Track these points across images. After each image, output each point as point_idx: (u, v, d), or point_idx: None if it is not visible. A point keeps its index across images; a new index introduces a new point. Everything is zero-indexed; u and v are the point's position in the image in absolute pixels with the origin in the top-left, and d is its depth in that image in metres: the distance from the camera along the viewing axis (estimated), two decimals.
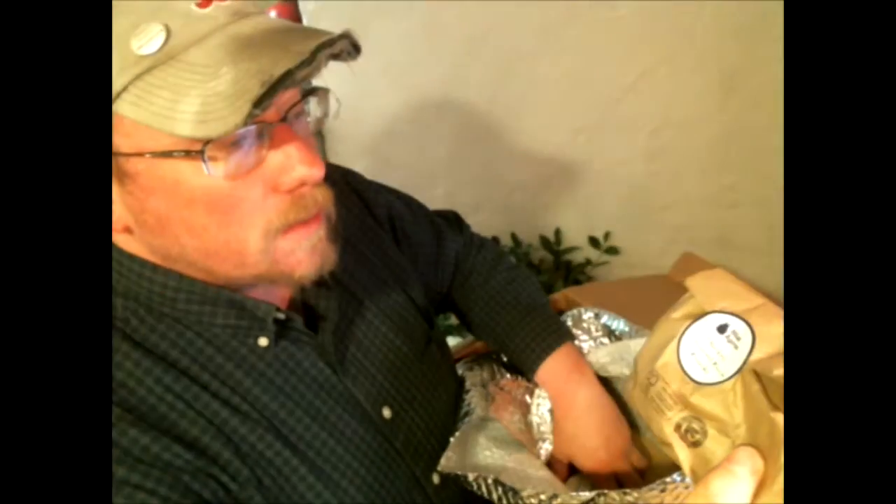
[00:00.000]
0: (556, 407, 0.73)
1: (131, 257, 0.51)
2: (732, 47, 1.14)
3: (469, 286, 0.81)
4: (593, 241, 1.44)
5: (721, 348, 0.41)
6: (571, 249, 1.46)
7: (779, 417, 0.34)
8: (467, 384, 0.73)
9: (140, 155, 0.45)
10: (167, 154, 0.45)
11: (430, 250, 0.79)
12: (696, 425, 0.40)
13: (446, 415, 0.68)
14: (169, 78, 0.43)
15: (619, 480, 0.70)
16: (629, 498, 0.54)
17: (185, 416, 0.50)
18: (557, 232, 1.46)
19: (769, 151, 1.20)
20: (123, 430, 0.47)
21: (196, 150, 0.44)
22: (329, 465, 0.55)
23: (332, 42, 0.44)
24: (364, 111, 1.40)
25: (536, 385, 0.75)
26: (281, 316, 0.54)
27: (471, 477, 0.59)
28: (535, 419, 0.75)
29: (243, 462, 0.51)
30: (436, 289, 0.80)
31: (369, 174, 0.77)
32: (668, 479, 0.54)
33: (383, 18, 1.27)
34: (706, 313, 0.43)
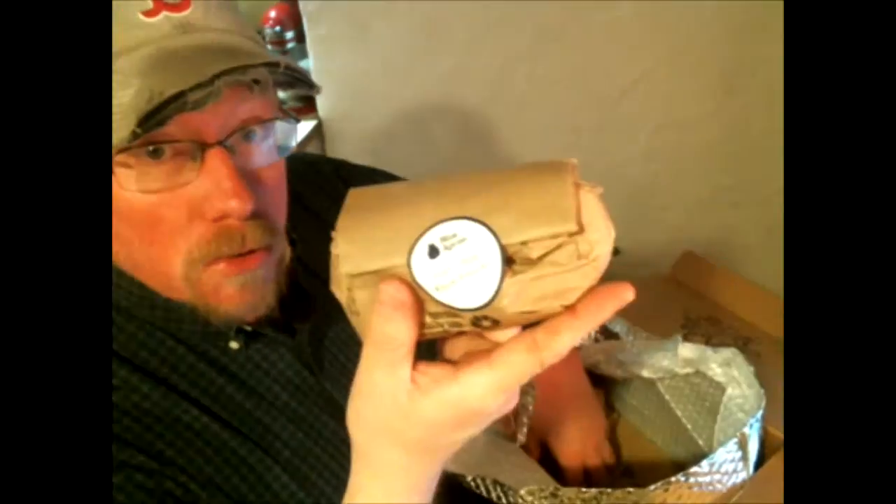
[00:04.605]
0: (539, 388, 0.71)
1: None
2: (732, 47, 1.14)
3: None
4: None
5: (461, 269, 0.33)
6: None
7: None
8: None
9: None
10: None
11: None
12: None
13: None
14: None
15: (587, 473, 0.71)
16: (632, 497, 0.54)
17: (151, 429, 0.49)
18: None
19: (769, 151, 1.20)
20: None
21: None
22: (306, 464, 0.55)
23: (243, 69, 0.42)
24: (364, 111, 1.40)
25: None
26: (247, 328, 0.53)
27: (469, 477, 0.59)
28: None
29: (207, 461, 0.50)
30: None
31: None
32: (671, 479, 0.54)
33: (383, 18, 1.26)
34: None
